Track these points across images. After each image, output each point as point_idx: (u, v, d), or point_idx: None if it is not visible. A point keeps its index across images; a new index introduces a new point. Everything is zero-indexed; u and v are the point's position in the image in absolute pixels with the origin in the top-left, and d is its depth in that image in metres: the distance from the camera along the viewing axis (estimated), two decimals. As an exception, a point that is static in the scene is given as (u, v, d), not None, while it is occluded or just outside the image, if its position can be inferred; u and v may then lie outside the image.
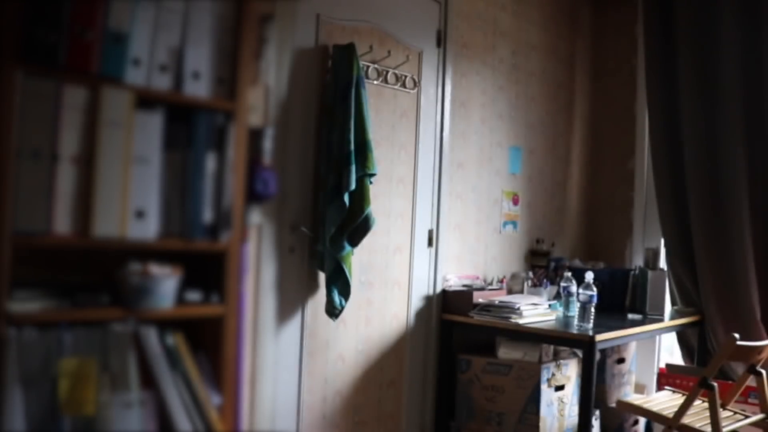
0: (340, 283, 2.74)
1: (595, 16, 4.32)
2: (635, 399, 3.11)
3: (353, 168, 2.67)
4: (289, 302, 2.75)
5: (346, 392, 2.96)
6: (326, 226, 2.69)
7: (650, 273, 3.57)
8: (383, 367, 3.10)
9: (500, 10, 3.66)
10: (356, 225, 2.72)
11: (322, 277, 2.81)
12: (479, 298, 3.17)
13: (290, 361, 2.76)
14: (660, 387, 3.68)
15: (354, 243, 2.76)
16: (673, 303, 3.82)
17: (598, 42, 4.31)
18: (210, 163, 1.73)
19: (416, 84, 3.21)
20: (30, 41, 1.37)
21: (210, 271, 1.79)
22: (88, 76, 1.46)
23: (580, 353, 2.99)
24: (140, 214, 1.58)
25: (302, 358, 2.79)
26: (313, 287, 2.83)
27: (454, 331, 3.25)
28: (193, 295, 1.74)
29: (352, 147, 2.69)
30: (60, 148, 1.43)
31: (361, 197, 2.72)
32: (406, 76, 3.16)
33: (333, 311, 2.75)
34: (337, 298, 2.74)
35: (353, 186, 2.67)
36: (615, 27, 4.24)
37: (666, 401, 3.01)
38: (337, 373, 2.92)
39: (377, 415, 3.09)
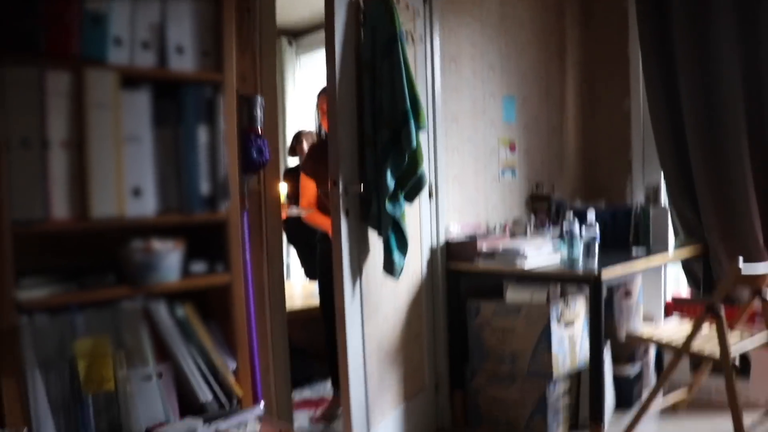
0: (398, 241, 2.73)
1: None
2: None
3: (412, 126, 2.59)
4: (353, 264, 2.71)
5: (392, 352, 2.97)
6: (382, 186, 2.63)
7: (652, 210, 3.59)
8: (411, 322, 3.12)
9: (483, -43, 3.61)
10: (413, 182, 2.70)
11: (372, 237, 2.79)
12: (483, 245, 3.20)
13: (355, 320, 2.71)
14: (668, 315, 3.72)
15: (411, 200, 2.76)
16: (677, 236, 3.83)
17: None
18: (202, 135, 1.74)
19: (403, 40, 3.18)
20: (6, 30, 1.37)
21: (213, 242, 1.82)
22: (70, 59, 1.46)
23: (587, 291, 3.02)
24: (137, 192, 1.60)
25: (363, 319, 2.75)
26: (365, 249, 2.80)
27: (462, 279, 3.28)
28: (198, 266, 1.77)
29: (408, 104, 2.60)
30: (49, 135, 1.45)
31: (415, 155, 2.67)
32: (392, 33, 3.13)
33: (393, 270, 2.73)
34: (397, 256, 2.72)
35: (415, 144, 2.60)
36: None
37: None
38: (383, 334, 2.91)
39: (413, 368, 3.13)
